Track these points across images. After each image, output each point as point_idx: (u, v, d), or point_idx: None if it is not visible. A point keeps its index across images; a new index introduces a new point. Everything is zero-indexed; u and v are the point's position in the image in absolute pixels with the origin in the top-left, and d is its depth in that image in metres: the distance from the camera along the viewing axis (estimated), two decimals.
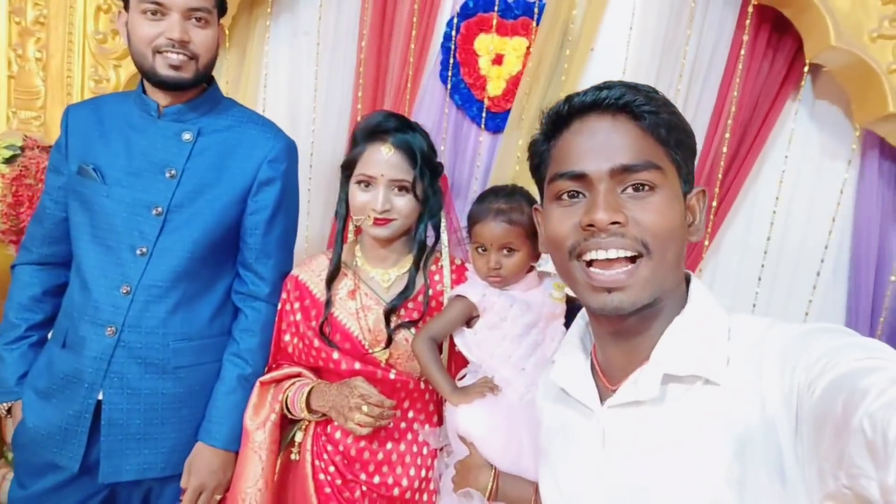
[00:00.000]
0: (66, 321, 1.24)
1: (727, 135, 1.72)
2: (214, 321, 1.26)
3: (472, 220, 1.19)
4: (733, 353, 0.65)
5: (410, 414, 1.24)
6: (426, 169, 1.20)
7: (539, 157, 0.76)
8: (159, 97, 1.25)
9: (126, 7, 1.21)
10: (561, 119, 0.71)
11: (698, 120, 1.75)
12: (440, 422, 1.26)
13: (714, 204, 1.77)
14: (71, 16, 1.94)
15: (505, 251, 1.16)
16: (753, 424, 0.60)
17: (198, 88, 1.27)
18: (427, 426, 1.24)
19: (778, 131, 1.79)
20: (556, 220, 0.70)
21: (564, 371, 0.78)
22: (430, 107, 1.94)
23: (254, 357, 1.26)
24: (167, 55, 1.18)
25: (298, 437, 1.24)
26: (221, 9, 1.27)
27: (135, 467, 1.20)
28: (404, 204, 1.19)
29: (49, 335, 1.31)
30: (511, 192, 1.20)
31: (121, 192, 1.21)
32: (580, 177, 0.68)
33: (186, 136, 1.24)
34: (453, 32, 1.88)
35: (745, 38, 1.70)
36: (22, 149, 1.89)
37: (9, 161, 1.87)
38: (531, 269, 1.21)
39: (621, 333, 0.71)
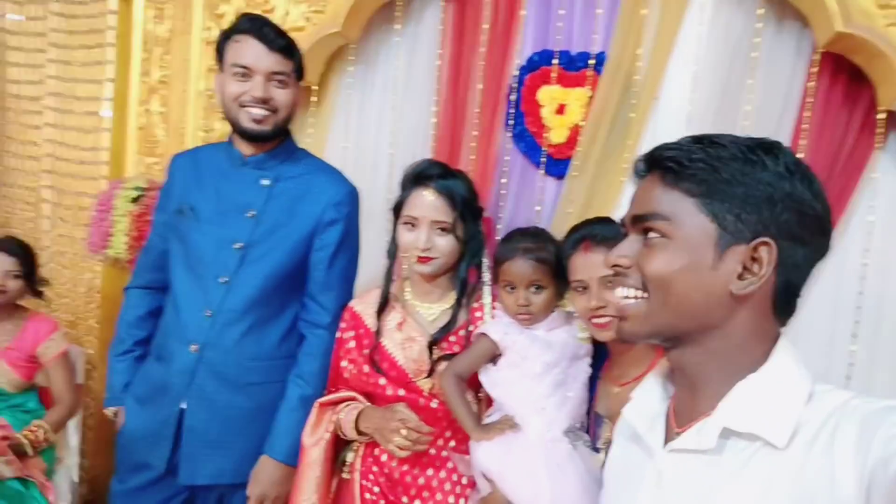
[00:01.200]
0: (161, 338, 1.45)
1: None
2: (282, 344, 1.42)
3: (500, 259, 1.26)
4: (808, 421, 0.64)
5: (452, 443, 1.31)
6: (466, 212, 1.30)
7: None
8: (244, 148, 1.44)
9: (221, 69, 1.42)
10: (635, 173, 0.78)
11: None
12: None
13: None
14: (187, 75, 2.26)
15: (533, 288, 1.22)
16: (820, 496, 0.60)
17: (277, 140, 1.45)
18: (455, 453, 1.29)
19: (865, 182, 1.70)
20: None
21: (637, 408, 0.80)
22: (498, 154, 2.05)
23: (314, 379, 1.39)
24: (250, 110, 1.37)
25: (350, 457, 1.35)
26: (299, 73, 1.46)
27: (209, 472, 1.36)
28: (445, 243, 1.29)
29: None
30: (536, 233, 1.27)
31: (210, 229, 1.41)
32: (622, 224, 0.78)
33: (265, 181, 1.43)
34: (516, 85, 1.99)
35: (811, 84, 1.68)
36: (145, 190, 2.20)
37: (135, 201, 2.18)
38: (555, 308, 1.26)
39: (680, 377, 0.74)
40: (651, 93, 1.88)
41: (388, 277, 1.38)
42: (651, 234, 0.71)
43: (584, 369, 1.23)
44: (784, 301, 0.70)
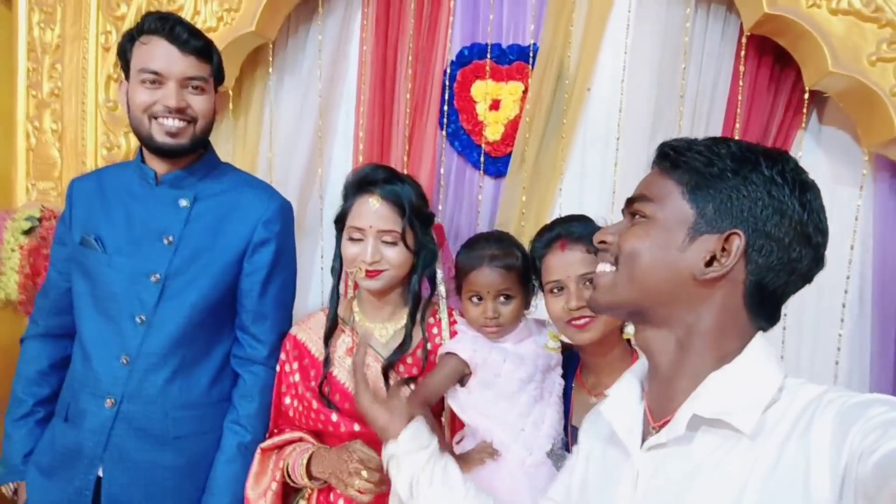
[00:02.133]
0: (68, 394, 1.26)
1: None
2: (213, 388, 1.26)
3: (465, 268, 1.17)
4: (782, 414, 0.65)
5: None
6: (416, 219, 1.20)
7: None
8: (157, 165, 1.27)
9: (126, 76, 1.25)
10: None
11: None
12: None
13: None
14: (83, 86, 2.02)
15: (502, 298, 1.14)
16: (795, 490, 0.60)
17: (195, 154, 1.29)
18: None
19: None
20: None
21: (614, 406, 0.79)
22: (432, 154, 1.95)
23: (253, 423, 1.25)
24: (163, 121, 1.20)
25: None
26: (218, 77, 1.30)
27: None
28: (395, 255, 1.18)
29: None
30: (500, 238, 1.19)
31: (121, 260, 1.23)
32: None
33: (183, 202, 1.26)
34: (447, 81, 1.91)
35: (742, 69, 1.69)
36: (40, 220, 1.95)
37: (28, 233, 1.93)
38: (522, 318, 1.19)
39: (654, 371, 0.75)
40: (583, 83, 1.85)
41: (335, 298, 1.26)
42: (637, 216, 0.74)
43: (557, 381, 1.16)
44: (756, 302, 0.70)
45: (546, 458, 1.08)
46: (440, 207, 1.92)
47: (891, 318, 1.68)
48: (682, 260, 0.70)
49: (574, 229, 1.10)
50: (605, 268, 0.76)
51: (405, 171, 1.88)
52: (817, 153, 1.76)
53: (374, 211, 1.18)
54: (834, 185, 1.75)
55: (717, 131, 1.74)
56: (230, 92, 1.98)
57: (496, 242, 1.17)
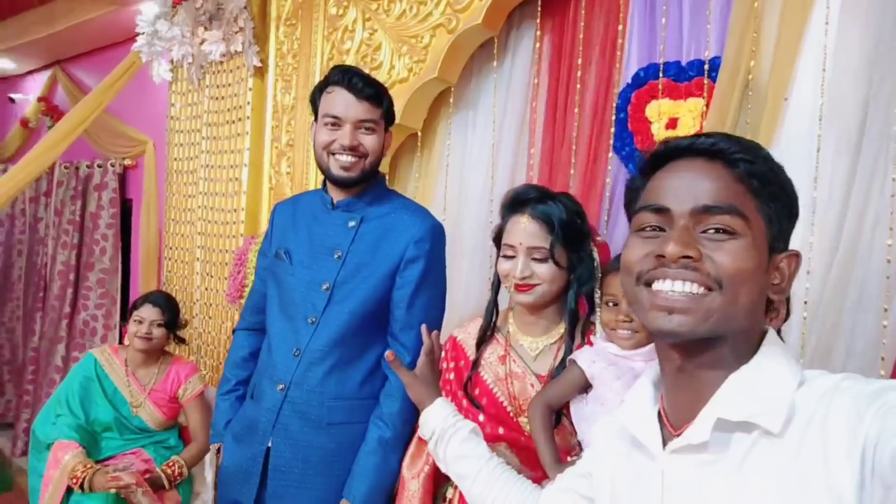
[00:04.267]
0: (256, 377, 1.51)
1: None
2: (365, 385, 1.40)
3: (605, 273, 1.15)
4: (802, 406, 0.64)
5: None
6: (568, 236, 1.21)
7: (633, 193, 0.78)
8: (335, 193, 1.49)
9: (315, 119, 1.50)
10: (658, 160, 0.74)
11: None
12: None
13: None
14: (308, 136, 2.45)
15: None
16: (816, 483, 0.60)
17: (366, 183, 1.48)
18: None
19: None
20: (631, 246, 0.73)
21: (632, 412, 0.78)
22: (603, 178, 1.92)
23: (394, 421, 1.35)
24: (338, 157, 1.41)
25: (449, 493, 1.29)
26: (389, 119, 1.48)
27: None
28: (545, 270, 1.21)
29: None
30: None
31: (302, 271, 1.45)
32: (662, 210, 0.70)
33: (351, 223, 1.45)
34: (621, 104, 1.87)
35: None
36: None
37: None
38: None
39: (685, 374, 0.71)
40: (778, 93, 1.64)
41: (491, 309, 1.33)
42: (718, 227, 0.68)
43: None
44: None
45: None
46: (604, 231, 1.86)
47: None
48: (766, 283, 0.69)
49: None
50: (691, 289, 0.66)
51: (578, 197, 1.88)
52: None
53: (523, 229, 1.22)
54: None
55: None
56: (419, 133, 2.21)
57: None
